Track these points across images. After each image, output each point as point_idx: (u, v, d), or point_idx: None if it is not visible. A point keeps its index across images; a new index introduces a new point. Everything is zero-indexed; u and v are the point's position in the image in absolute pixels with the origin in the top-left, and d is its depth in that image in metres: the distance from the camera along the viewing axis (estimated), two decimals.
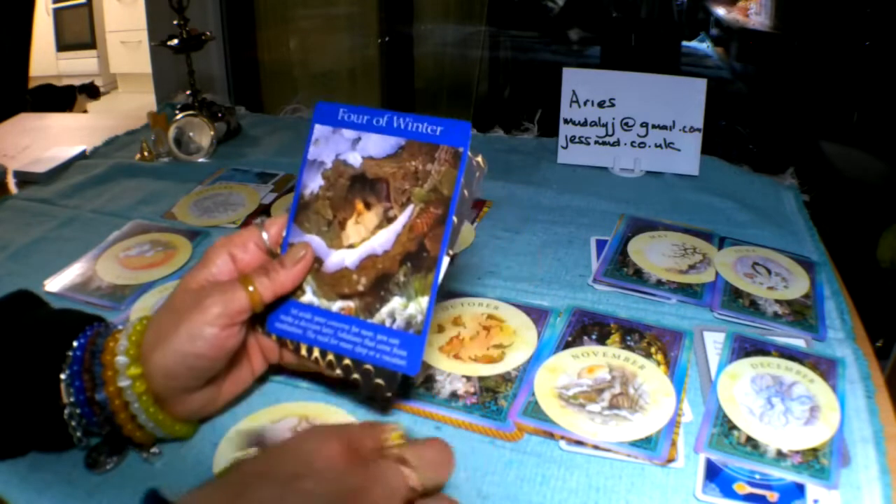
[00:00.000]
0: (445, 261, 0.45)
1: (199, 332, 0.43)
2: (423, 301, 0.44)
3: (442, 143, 0.46)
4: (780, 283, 0.67)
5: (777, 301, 0.64)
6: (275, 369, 0.54)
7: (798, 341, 0.59)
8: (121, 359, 0.44)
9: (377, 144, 0.48)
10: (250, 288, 0.45)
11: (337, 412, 0.50)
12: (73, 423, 0.44)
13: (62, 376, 0.44)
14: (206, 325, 0.43)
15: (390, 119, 0.48)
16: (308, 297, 0.48)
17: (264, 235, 0.49)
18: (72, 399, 0.43)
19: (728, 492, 0.44)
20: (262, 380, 0.54)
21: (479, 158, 0.46)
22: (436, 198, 0.45)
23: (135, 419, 0.44)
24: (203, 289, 0.45)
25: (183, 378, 0.44)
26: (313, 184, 0.49)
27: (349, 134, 0.49)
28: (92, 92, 2.98)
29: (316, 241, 0.48)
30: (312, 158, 0.49)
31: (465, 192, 0.45)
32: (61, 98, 2.79)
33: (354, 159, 0.48)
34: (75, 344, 0.45)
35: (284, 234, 0.49)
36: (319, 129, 0.50)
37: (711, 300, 0.64)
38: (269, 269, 0.46)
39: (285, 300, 0.48)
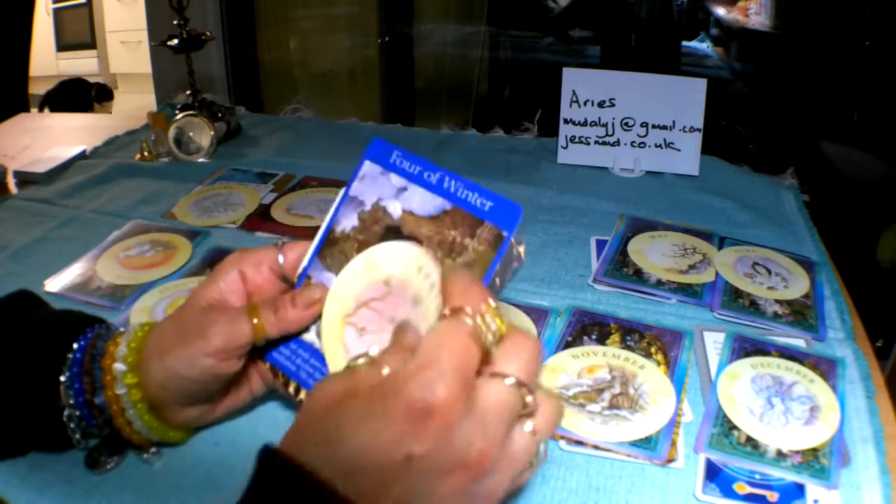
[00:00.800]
0: None
1: (197, 360, 0.42)
2: None
3: (488, 220, 0.43)
4: (780, 283, 0.67)
5: (777, 301, 0.64)
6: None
7: (798, 341, 0.59)
8: (119, 366, 0.43)
9: (422, 201, 0.45)
10: (255, 321, 0.43)
11: None
12: (73, 426, 0.44)
13: (62, 378, 0.43)
14: (204, 356, 0.42)
15: (442, 178, 0.44)
16: (310, 335, 0.46)
17: (280, 259, 0.47)
18: (71, 401, 0.43)
19: (728, 492, 0.44)
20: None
21: (521, 249, 0.43)
22: (476, 265, 0.42)
23: (131, 424, 0.44)
24: (211, 309, 0.44)
25: (176, 394, 0.44)
26: (347, 221, 0.46)
27: (396, 181, 0.45)
28: (103, 95, 2.97)
29: (333, 281, 0.45)
30: (353, 195, 0.46)
31: (497, 280, 0.42)
32: (85, 94, 2.80)
33: (395, 209, 0.45)
34: (75, 346, 0.45)
35: (304, 263, 0.46)
36: (368, 166, 0.46)
37: (711, 300, 0.64)
38: (278, 306, 0.44)
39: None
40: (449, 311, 0.34)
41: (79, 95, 2.85)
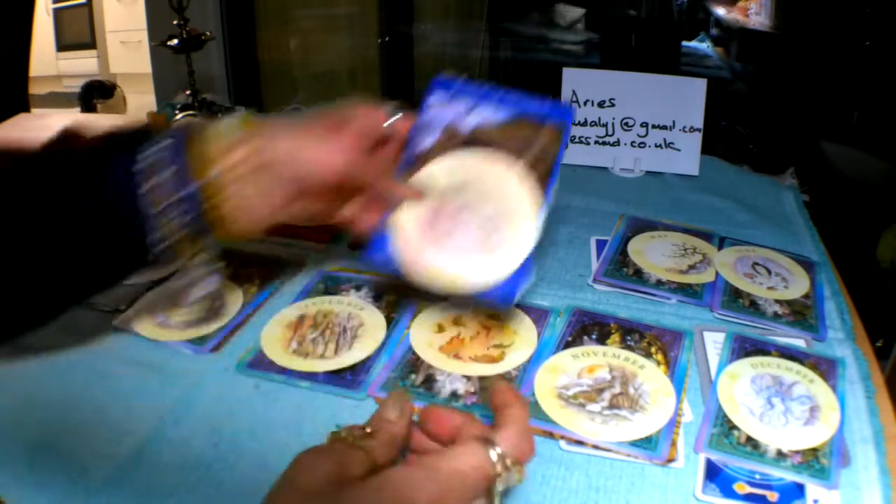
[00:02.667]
0: (545, 208, 0.52)
1: (332, 147, 0.48)
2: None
3: (547, 119, 0.54)
4: (780, 283, 0.67)
5: (777, 301, 0.64)
6: (277, 368, 0.54)
7: (798, 341, 0.59)
8: (214, 147, 0.46)
9: (489, 114, 0.54)
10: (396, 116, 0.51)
11: None
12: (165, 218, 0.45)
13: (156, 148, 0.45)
14: (340, 143, 0.48)
15: (502, 95, 0.55)
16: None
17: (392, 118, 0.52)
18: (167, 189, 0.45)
19: (728, 492, 0.44)
20: (262, 380, 0.54)
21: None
22: (540, 160, 0.53)
23: (220, 208, 0.47)
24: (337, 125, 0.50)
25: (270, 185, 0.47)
26: (425, 142, 0.54)
27: (462, 104, 0.55)
28: (103, 92, 2.96)
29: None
30: (423, 123, 0.55)
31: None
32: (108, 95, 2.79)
33: (466, 125, 0.54)
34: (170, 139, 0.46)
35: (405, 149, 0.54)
36: (434, 99, 0.56)
37: (711, 300, 0.64)
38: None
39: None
40: (486, 440, 0.36)
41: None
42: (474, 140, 0.53)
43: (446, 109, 0.54)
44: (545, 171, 0.52)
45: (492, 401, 0.40)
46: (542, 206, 0.52)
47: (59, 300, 0.48)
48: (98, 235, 0.45)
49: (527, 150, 0.53)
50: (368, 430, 0.38)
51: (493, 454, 0.35)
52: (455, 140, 0.53)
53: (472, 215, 0.50)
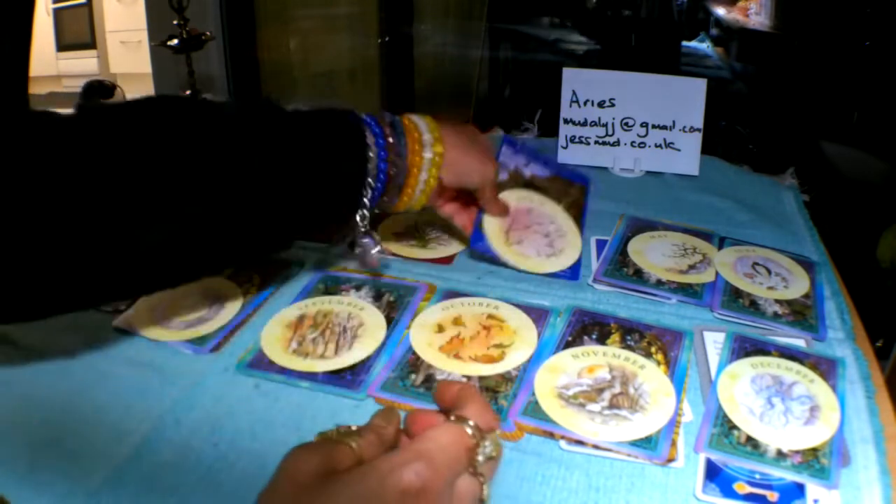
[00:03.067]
0: (583, 233, 0.75)
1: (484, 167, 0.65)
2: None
3: (575, 180, 0.82)
4: (780, 283, 0.67)
5: (777, 301, 0.64)
6: (277, 368, 0.54)
7: (798, 341, 0.59)
8: (427, 136, 0.60)
9: (538, 170, 0.79)
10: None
11: None
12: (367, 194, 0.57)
13: (369, 143, 0.56)
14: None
15: (546, 159, 0.81)
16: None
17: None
18: (375, 164, 0.57)
19: (728, 491, 0.44)
20: (262, 380, 0.54)
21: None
22: (574, 206, 0.77)
23: (415, 187, 0.60)
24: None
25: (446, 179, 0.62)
26: (502, 175, 0.76)
27: (523, 158, 0.79)
28: (104, 92, 2.95)
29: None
30: (502, 161, 0.77)
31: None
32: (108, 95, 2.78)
33: (525, 172, 0.78)
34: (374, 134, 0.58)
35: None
36: (505, 148, 0.78)
37: (711, 300, 0.64)
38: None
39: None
40: (456, 417, 0.38)
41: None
42: (530, 183, 0.77)
43: (511, 158, 0.78)
44: (577, 214, 0.77)
45: (441, 400, 0.42)
46: (581, 232, 0.75)
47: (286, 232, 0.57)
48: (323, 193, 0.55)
49: (565, 196, 0.78)
50: (355, 428, 0.39)
51: (468, 428, 0.37)
52: (518, 180, 0.77)
53: (540, 228, 0.73)
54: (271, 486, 0.35)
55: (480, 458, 0.37)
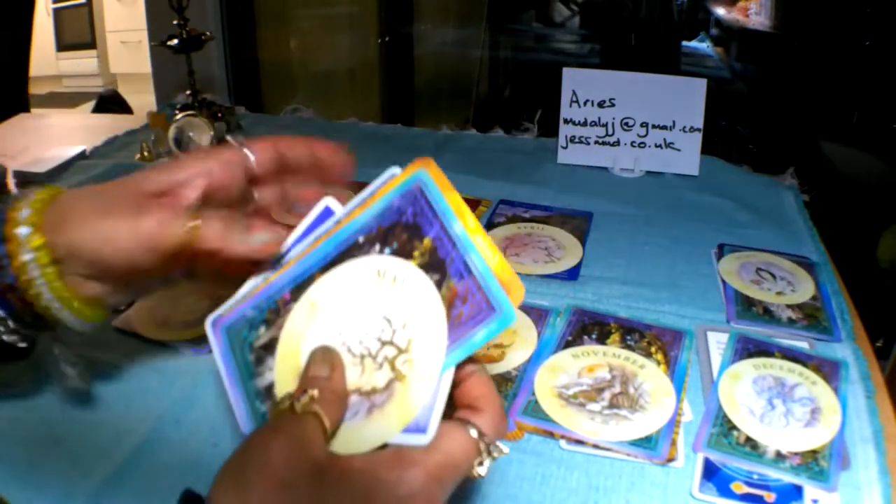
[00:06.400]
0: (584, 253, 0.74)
1: (119, 241, 0.39)
2: None
3: (575, 215, 0.82)
4: (787, 287, 0.66)
5: (788, 306, 0.63)
6: None
7: (802, 343, 0.59)
8: (22, 230, 0.39)
9: (539, 212, 0.82)
10: (195, 223, 0.39)
11: None
12: None
13: None
14: (126, 240, 0.38)
15: (546, 206, 0.83)
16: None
17: (251, 157, 0.43)
18: None
19: (725, 491, 0.44)
20: None
21: None
22: (576, 230, 0.78)
23: (41, 297, 0.39)
24: (155, 195, 0.40)
25: (83, 264, 0.39)
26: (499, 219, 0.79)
27: (522, 207, 0.83)
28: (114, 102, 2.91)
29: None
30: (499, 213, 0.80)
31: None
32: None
33: (525, 216, 0.81)
34: None
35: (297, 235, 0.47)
36: (501, 207, 0.82)
37: (726, 310, 0.63)
38: (230, 221, 0.41)
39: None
40: (470, 422, 0.35)
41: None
42: (531, 219, 0.81)
43: (509, 210, 0.82)
44: (580, 236, 0.77)
45: (466, 394, 0.37)
46: (583, 248, 0.74)
47: None
48: None
49: (566, 225, 0.79)
50: (308, 391, 0.34)
51: (480, 443, 0.35)
52: (518, 221, 0.81)
53: (539, 244, 0.74)
54: (239, 482, 0.31)
55: (482, 471, 0.36)
